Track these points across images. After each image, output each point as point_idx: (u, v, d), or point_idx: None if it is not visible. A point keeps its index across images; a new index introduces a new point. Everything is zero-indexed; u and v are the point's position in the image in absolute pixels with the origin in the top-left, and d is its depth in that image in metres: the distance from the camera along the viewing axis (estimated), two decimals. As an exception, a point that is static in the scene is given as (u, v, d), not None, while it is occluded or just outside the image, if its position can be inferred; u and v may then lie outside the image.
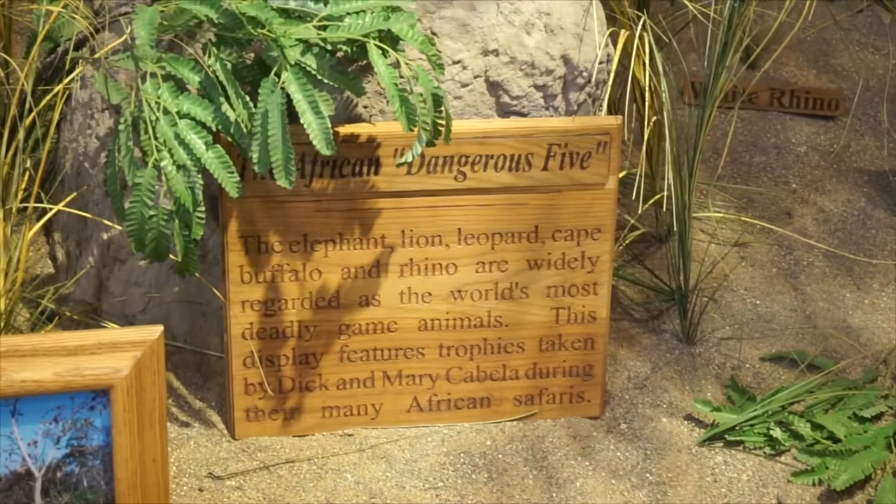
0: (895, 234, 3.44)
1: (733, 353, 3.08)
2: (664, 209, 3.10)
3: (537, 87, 2.77)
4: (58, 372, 2.24)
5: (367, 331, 2.74)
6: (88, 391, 2.27)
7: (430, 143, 2.53)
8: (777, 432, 2.85)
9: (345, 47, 2.50)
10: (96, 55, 2.75)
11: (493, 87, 2.75)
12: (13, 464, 2.27)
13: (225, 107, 2.48)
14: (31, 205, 2.74)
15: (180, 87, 2.48)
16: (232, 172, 2.46)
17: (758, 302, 3.22)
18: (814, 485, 2.77)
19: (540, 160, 2.69)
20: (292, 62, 2.44)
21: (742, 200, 3.48)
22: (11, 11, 3.21)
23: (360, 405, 2.79)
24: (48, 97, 2.84)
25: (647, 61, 2.96)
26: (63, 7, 2.81)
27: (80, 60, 2.92)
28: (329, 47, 2.49)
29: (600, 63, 2.85)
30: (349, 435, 2.79)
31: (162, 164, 2.42)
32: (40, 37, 2.86)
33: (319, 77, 2.47)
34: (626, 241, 3.21)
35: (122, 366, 2.26)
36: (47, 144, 2.77)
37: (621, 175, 2.83)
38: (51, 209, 2.76)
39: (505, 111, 2.77)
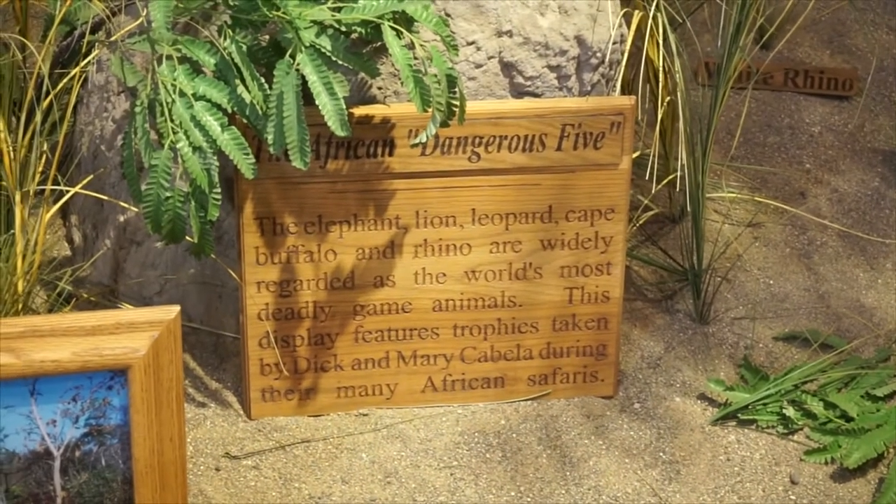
0: (909, 214, 3.45)
1: (746, 332, 3.09)
2: (678, 189, 3.10)
3: (551, 67, 2.78)
4: (76, 352, 2.25)
5: (381, 311, 2.76)
6: (106, 371, 2.28)
7: (444, 124, 2.54)
8: (790, 411, 2.86)
9: (359, 29, 2.51)
10: (112, 38, 2.76)
11: (507, 67, 2.75)
12: (32, 443, 2.29)
13: (240, 88, 2.49)
14: (49, 187, 2.76)
15: (196, 69, 2.49)
16: (247, 154, 2.48)
17: (771, 282, 3.23)
18: (826, 463, 2.78)
19: (553, 140, 2.70)
20: (307, 44, 2.45)
21: (756, 180, 3.48)
22: (28, -5, 3.23)
23: (375, 385, 2.81)
24: (65, 80, 2.86)
25: (660, 42, 2.96)
26: (79, -10, 2.83)
27: (97, 43, 2.93)
28: (343, 29, 2.50)
29: (614, 43, 2.85)
30: (364, 415, 2.81)
31: (178, 145, 2.44)
32: (57, 20, 2.87)
33: (334, 58, 2.48)
34: (640, 222, 3.21)
35: (139, 346, 2.28)
36: (64, 127, 2.78)
37: (635, 155, 2.84)
38: (67, 192, 2.78)
39: (519, 92, 2.77)
